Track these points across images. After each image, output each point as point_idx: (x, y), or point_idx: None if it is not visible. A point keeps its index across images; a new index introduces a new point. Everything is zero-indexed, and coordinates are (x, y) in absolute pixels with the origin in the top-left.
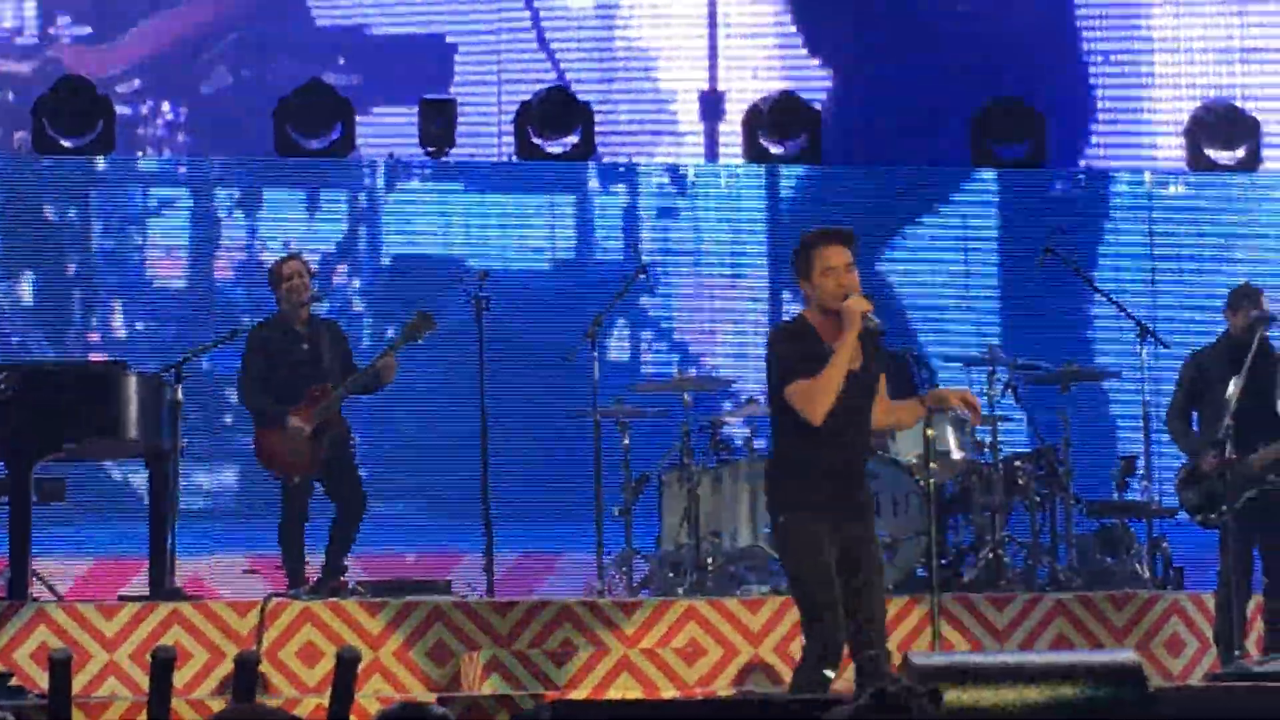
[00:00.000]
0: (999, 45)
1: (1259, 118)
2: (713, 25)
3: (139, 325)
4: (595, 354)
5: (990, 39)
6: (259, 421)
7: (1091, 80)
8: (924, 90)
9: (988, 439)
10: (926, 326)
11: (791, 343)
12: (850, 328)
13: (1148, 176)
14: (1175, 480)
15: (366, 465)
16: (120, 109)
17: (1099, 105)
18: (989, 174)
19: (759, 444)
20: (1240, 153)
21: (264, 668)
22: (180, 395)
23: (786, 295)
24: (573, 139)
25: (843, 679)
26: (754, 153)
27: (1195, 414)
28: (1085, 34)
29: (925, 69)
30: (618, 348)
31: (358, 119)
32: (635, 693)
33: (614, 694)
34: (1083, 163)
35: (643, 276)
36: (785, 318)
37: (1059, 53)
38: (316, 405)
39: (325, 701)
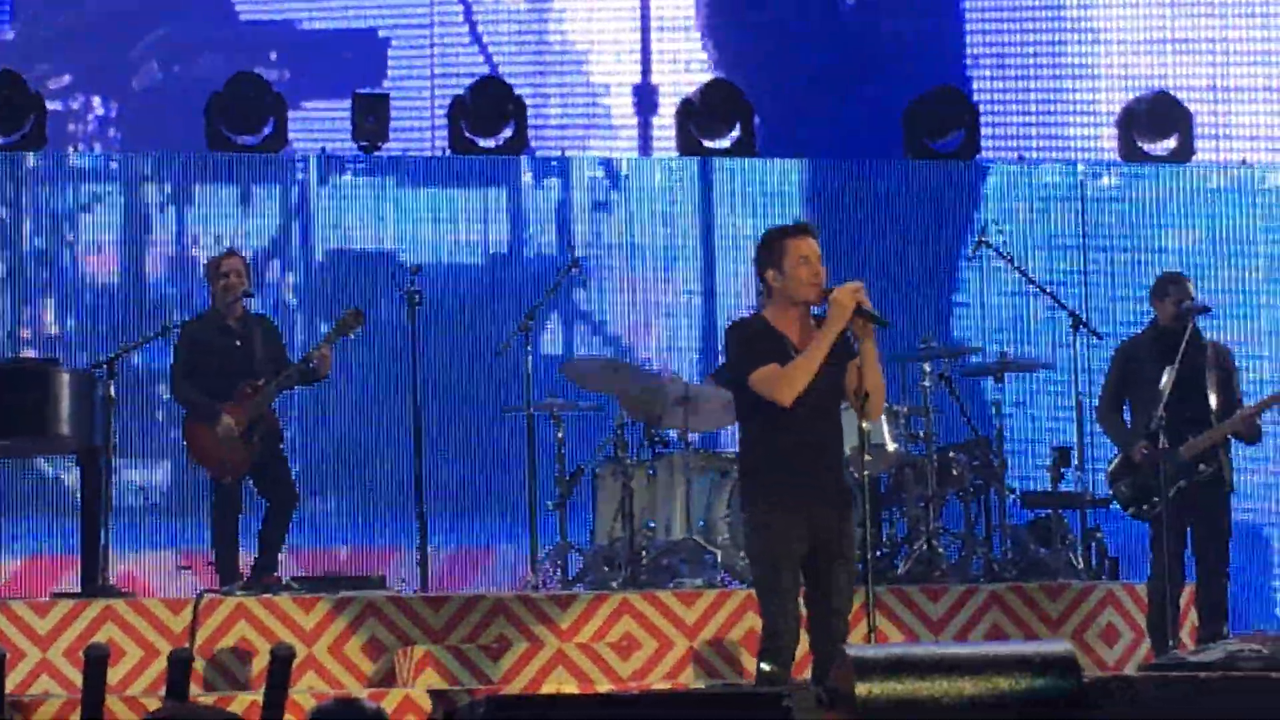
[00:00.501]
0: (931, 37)
1: (1191, 109)
2: (645, 19)
3: (70, 322)
4: (529, 348)
5: (923, 30)
6: (191, 416)
7: (1023, 72)
8: (857, 82)
9: (922, 431)
10: None
11: (751, 337)
12: (838, 316)
13: (1080, 167)
14: (1107, 472)
15: (300, 460)
16: (51, 105)
17: (1031, 97)
18: (922, 165)
19: (693, 437)
20: (1172, 143)
21: (198, 664)
22: (113, 391)
23: (720, 289)
24: (506, 133)
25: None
26: (688, 146)
27: (1127, 404)
28: (1017, 25)
29: (858, 61)
30: (551, 341)
31: (289, 114)
32: (570, 687)
33: (549, 688)
34: (1015, 154)
35: (576, 270)
36: (726, 311)
37: (991, 44)
38: (248, 402)
39: (260, 698)
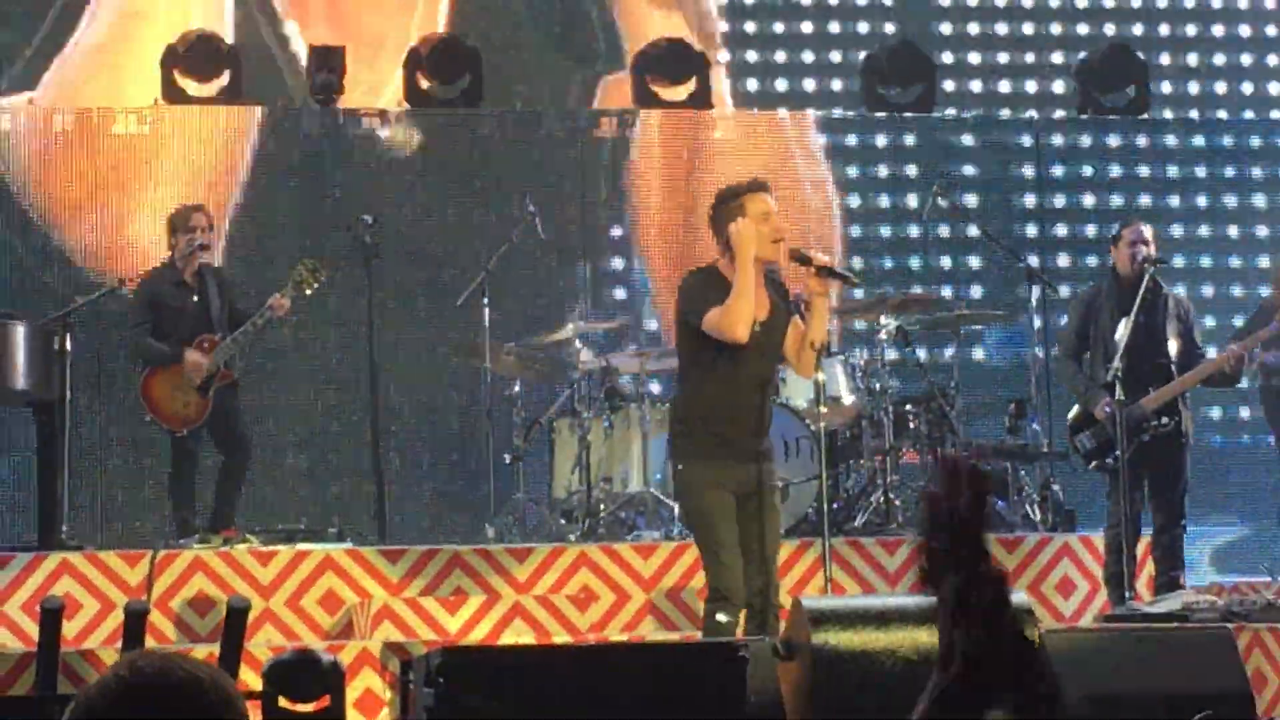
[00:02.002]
0: None
1: (1146, 60)
2: None
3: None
4: (485, 300)
5: None
6: (153, 364)
7: (983, 23)
8: (816, 35)
9: (879, 384)
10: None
11: (703, 284)
12: (743, 245)
13: (1036, 119)
14: (1067, 423)
15: (256, 414)
16: None
17: (989, 48)
18: (881, 118)
19: (652, 389)
20: (1129, 94)
21: (155, 617)
22: (69, 344)
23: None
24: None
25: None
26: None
27: (1086, 355)
28: None
29: (819, 13)
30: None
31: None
32: (528, 639)
33: (506, 640)
34: (974, 109)
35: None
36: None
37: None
38: (206, 355)
39: (216, 650)
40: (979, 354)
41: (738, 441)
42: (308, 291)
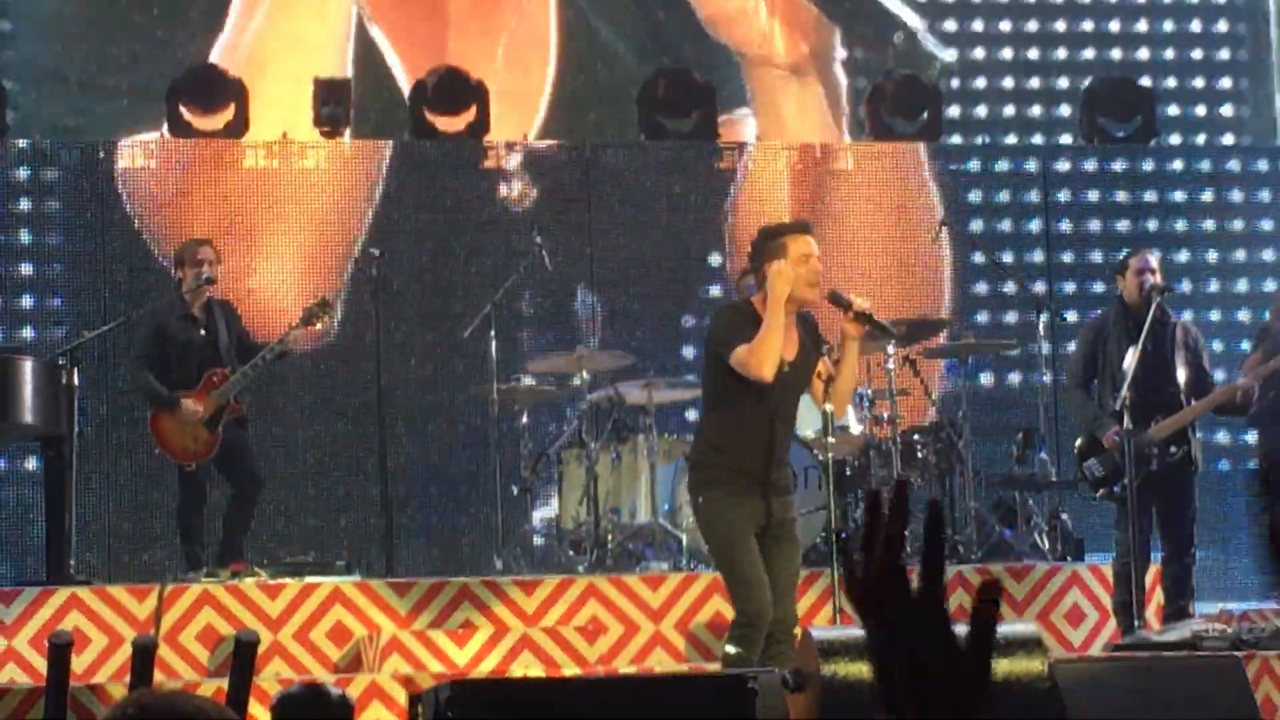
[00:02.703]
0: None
1: (1156, 84)
2: None
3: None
4: (492, 332)
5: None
6: (152, 405)
7: (988, 52)
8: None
9: (886, 414)
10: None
11: (736, 319)
12: (778, 285)
13: (1043, 147)
14: (1075, 451)
15: (265, 445)
16: None
17: (995, 76)
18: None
19: (661, 421)
20: (1135, 124)
21: (163, 652)
22: (76, 380)
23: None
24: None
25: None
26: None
27: (1095, 383)
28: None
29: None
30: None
31: None
32: (536, 671)
33: (515, 673)
34: (979, 137)
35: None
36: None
37: (954, 19)
38: (214, 389)
39: (225, 685)
40: (987, 382)
41: (756, 475)
42: (318, 326)
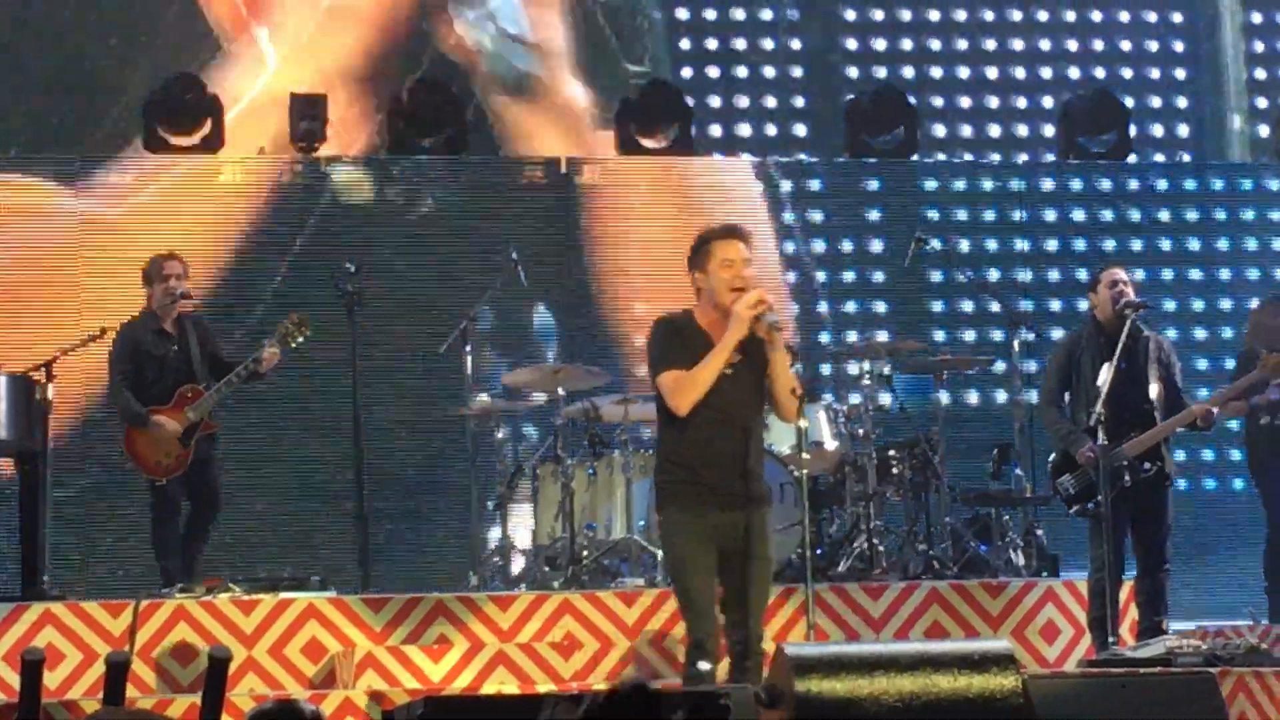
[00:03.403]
0: (873, 32)
1: (1129, 105)
2: None
3: None
4: (468, 348)
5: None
6: (127, 422)
7: (964, 68)
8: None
9: (862, 430)
10: (808, 317)
11: (671, 333)
12: (735, 328)
13: (1021, 164)
14: (1049, 467)
15: (240, 460)
16: None
17: (971, 93)
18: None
19: (635, 436)
20: (1111, 140)
21: (137, 667)
22: (50, 394)
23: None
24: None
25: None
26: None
27: (1068, 399)
28: (957, 21)
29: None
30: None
31: None
32: (511, 687)
33: (490, 689)
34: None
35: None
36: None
37: (933, 39)
38: (187, 405)
39: (199, 700)
40: (963, 398)
41: (719, 487)
42: (293, 345)
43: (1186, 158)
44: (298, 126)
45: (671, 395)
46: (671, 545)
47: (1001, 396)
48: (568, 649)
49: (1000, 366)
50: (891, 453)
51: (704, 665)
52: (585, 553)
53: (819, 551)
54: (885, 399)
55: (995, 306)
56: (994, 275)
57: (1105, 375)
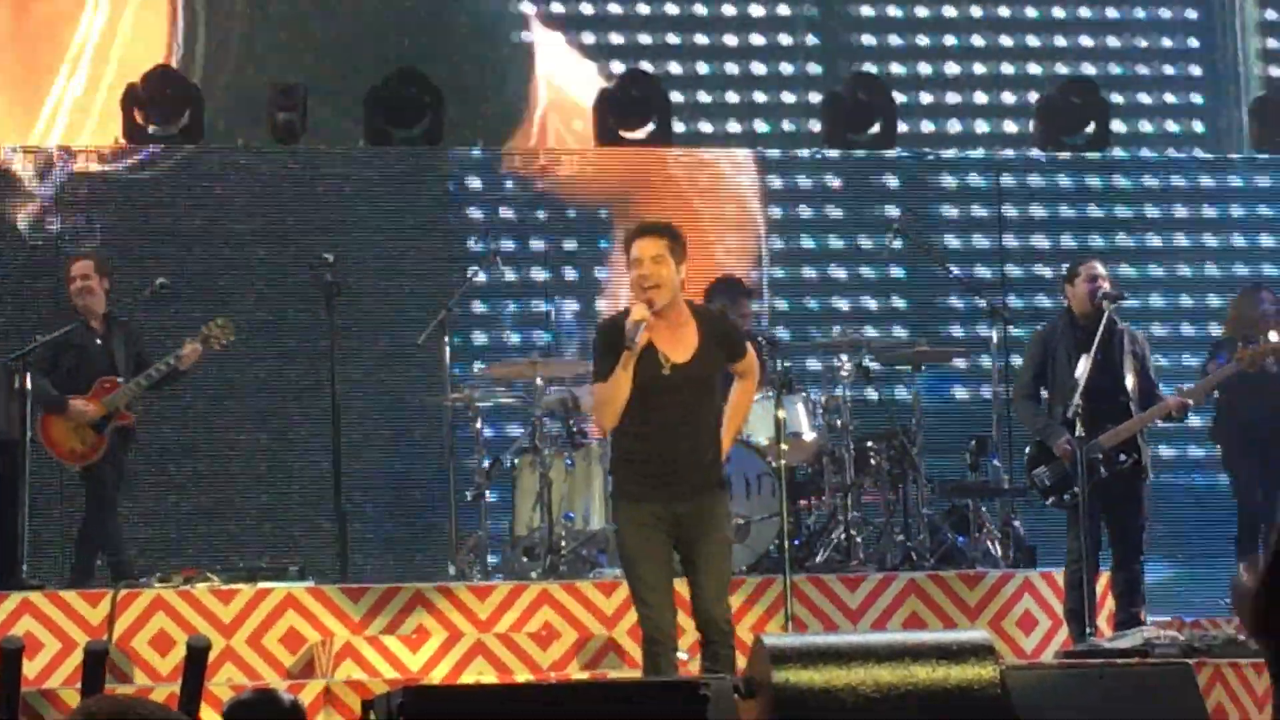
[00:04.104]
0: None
1: (1109, 97)
2: None
3: None
4: (446, 339)
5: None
6: (44, 407)
7: (941, 59)
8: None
9: (840, 421)
10: (783, 309)
11: (605, 338)
12: (629, 344)
13: (997, 155)
14: (1026, 459)
15: (216, 452)
16: None
17: (949, 84)
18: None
19: None
20: (1089, 132)
21: (115, 657)
22: (28, 383)
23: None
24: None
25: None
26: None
27: (1044, 391)
28: (934, 11)
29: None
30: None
31: None
32: (490, 677)
33: (468, 679)
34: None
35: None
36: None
37: (906, 30)
38: (105, 395)
39: (178, 690)
40: (940, 391)
41: (670, 479)
42: (215, 348)
43: (1173, 152)
44: (278, 118)
45: (596, 416)
46: (622, 541)
47: (981, 390)
48: (546, 639)
49: (983, 360)
50: (870, 444)
51: (683, 655)
52: (563, 543)
53: (797, 542)
54: (868, 392)
55: (978, 301)
56: (971, 268)
57: (1083, 367)
